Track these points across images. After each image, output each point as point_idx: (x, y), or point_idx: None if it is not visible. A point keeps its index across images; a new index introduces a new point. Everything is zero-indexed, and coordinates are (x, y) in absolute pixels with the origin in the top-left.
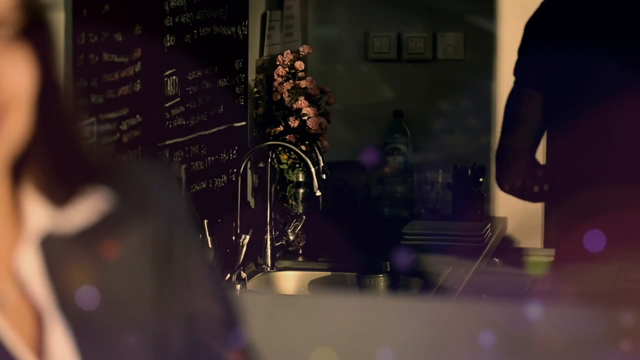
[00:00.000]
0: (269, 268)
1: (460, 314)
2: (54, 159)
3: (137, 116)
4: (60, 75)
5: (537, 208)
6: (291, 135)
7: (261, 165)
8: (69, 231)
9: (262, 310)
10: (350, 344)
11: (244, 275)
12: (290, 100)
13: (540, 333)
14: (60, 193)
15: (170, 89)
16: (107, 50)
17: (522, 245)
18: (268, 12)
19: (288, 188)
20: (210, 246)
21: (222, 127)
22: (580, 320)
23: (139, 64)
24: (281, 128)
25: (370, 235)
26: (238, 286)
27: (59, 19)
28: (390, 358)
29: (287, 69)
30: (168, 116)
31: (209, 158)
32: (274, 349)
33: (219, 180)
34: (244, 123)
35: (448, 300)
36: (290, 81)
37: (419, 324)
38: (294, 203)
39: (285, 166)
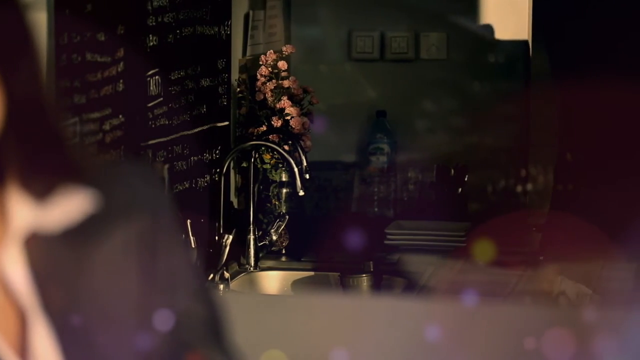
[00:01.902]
0: (252, 268)
1: (449, 313)
2: (35, 155)
3: (120, 116)
4: (43, 75)
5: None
6: (274, 135)
7: (244, 165)
8: (53, 231)
9: (245, 310)
10: (333, 343)
11: (227, 275)
12: (273, 100)
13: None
14: (42, 187)
15: (153, 88)
16: (90, 50)
17: None
18: (251, 12)
19: (271, 188)
20: (193, 246)
21: (205, 127)
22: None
23: (121, 63)
24: (264, 128)
25: (353, 235)
26: (221, 286)
27: (41, 19)
28: (373, 356)
29: (270, 69)
30: (151, 116)
31: (191, 158)
32: (257, 348)
33: (202, 180)
34: (227, 123)
35: (431, 300)
36: (273, 81)
37: (401, 323)
38: (277, 203)
39: (268, 166)
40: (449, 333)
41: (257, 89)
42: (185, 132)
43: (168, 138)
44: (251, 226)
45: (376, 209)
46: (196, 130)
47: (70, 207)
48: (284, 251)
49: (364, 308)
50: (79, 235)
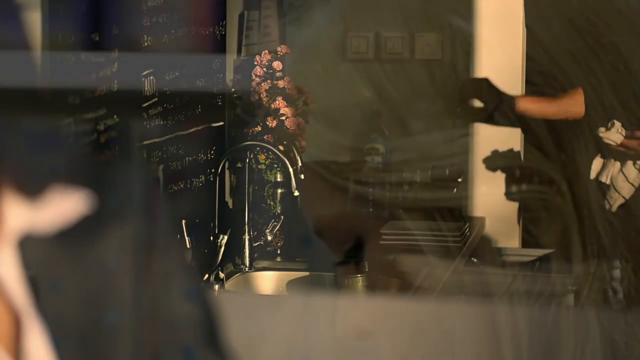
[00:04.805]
0: (247, 268)
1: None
2: (29, 156)
3: (115, 116)
4: (39, 72)
5: (515, 208)
6: (269, 135)
7: (239, 165)
8: (48, 232)
9: (240, 310)
10: (328, 342)
11: (222, 275)
12: (268, 101)
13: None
14: (36, 188)
15: (147, 89)
16: (84, 50)
17: (500, 245)
18: (246, 13)
19: (266, 188)
20: (188, 246)
21: (199, 127)
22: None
23: (116, 64)
24: (259, 128)
25: (348, 235)
26: (216, 286)
27: (36, 19)
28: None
29: (264, 69)
30: (145, 116)
31: (186, 158)
32: (251, 348)
33: (197, 180)
34: (221, 123)
35: (429, 299)
36: (268, 81)
37: (398, 322)
38: (272, 203)
39: (263, 166)
40: (444, 332)
41: (251, 89)
42: (180, 133)
43: (163, 138)
44: (246, 226)
45: (371, 209)
46: (191, 130)
47: (64, 208)
48: (278, 251)
49: (360, 308)
50: (73, 236)
